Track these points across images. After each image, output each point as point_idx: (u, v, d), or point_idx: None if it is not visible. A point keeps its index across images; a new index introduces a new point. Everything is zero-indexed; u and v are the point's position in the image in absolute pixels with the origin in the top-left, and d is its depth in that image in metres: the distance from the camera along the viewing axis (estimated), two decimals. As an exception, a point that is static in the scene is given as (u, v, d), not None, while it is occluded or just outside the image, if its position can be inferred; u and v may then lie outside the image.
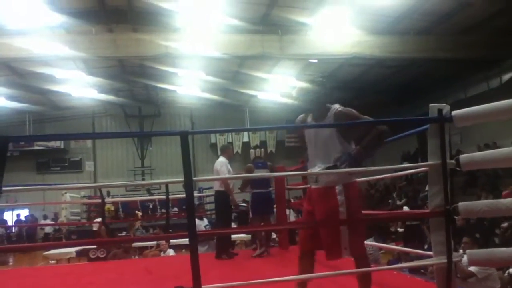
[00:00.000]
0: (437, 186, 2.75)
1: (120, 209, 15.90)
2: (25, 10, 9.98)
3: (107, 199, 9.25)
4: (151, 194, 16.91)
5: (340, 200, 2.95)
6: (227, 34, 11.43)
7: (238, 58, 13.16)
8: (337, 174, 2.96)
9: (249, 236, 8.52)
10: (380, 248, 7.71)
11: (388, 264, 7.85)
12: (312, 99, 3.21)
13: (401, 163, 16.50)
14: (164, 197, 7.68)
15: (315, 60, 13.34)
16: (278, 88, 16.68)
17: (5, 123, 18.48)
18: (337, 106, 3.11)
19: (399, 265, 5.34)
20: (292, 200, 8.87)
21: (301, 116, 3.35)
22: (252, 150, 6.64)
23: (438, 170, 2.73)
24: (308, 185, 6.49)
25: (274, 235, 7.66)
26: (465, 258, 2.76)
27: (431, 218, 2.86)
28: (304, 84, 13.26)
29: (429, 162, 2.79)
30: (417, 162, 16.18)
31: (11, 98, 16.69)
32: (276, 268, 5.16)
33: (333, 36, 11.37)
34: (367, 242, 5.89)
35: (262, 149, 6.82)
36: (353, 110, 3.10)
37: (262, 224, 6.16)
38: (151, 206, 16.85)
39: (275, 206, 8.10)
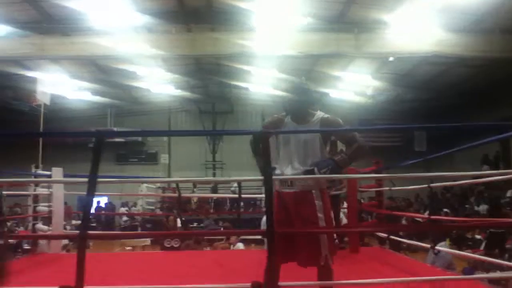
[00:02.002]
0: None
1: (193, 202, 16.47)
2: (112, 11, 10.59)
3: (185, 194, 9.63)
4: (216, 191, 17.25)
5: (318, 205, 2.92)
6: (302, 32, 11.42)
7: (312, 56, 13.13)
8: (314, 179, 2.95)
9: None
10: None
11: (463, 272, 7.51)
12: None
13: (481, 166, 15.66)
14: (234, 195, 7.98)
15: (392, 58, 13.00)
16: (352, 86, 16.42)
17: (89, 116, 19.81)
18: (321, 113, 3.14)
19: (480, 276, 5.10)
20: (362, 201, 8.74)
21: (276, 116, 3.24)
22: None
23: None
24: (382, 188, 6.41)
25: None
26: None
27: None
28: (379, 83, 13.08)
29: (517, 170, 2.67)
30: (497, 165, 15.31)
31: (95, 92, 17.79)
32: (345, 270, 5.12)
33: (412, 34, 11.00)
34: (438, 247, 5.72)
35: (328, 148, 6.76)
36: (339, 119, 3.15)
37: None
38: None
39: (344, 206, 8.04)
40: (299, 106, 3.12)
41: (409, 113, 18.44)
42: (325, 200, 3.00)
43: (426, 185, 5.05)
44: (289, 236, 2.93)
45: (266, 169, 2.62)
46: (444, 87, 15.72)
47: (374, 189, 6.64)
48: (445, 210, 13.59)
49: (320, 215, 2.93)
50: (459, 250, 9.51)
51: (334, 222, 6.53)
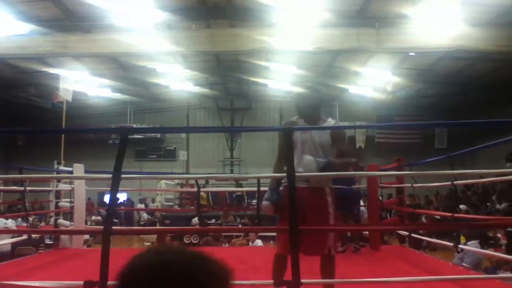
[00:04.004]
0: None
1: (210, 198, 16.49)
2: (133, 8, 10.67)
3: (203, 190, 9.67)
4: (240, 186, 17.30)
5: (329, 201, 3.08)
6: (322, 28, 11.32)
7: (331, 52, 13.02)
8: (327, 176, 3.11)
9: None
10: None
11: (485, 271, 7.38)
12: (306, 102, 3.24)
13: (505, 164, 15.34)
14: (253, 189, 8.01)
15: (413, 54, 12.81)
16: (371, 82, 16.25)
17: (109, 113, 20.08)
18: (332, 120, 3.32)
19: (505, 275, 5.00)
20: (380, 198, 8.62)
21: (290, 121, 3.40)
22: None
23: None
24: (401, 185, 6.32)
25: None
26: None
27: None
28: (399, 79, 12.82)
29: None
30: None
31: (116, 90, 18.00)
32: (366, 268, 5.07)
33: (434, 28, 10.79)
34: (468, 245, 5.64)
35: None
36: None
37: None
38: (234, 196, 17.13)
39: (364, 205, 7.95)
40: (314, 108, 3.25)
41: (430, 109, 18.19)
42: (333, 197, 3.17)
43: (449, 182, 4.96)
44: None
45: (290, 166, 2.61)
46: (467, 82, 15.45)
47: (395, 186, 6.56)
48: (461, 206, 13.36)
49: (330, 210, 3.09)
50: (481, 249, 9.34)
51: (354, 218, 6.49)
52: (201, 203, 14.09)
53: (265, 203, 3.12)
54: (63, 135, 7.81)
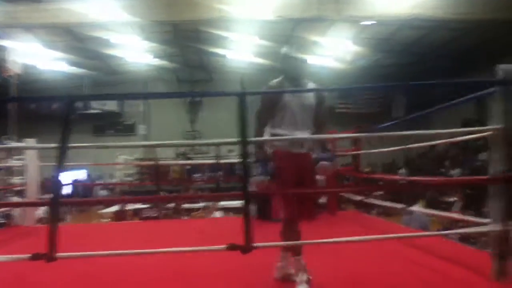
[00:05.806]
0: (498, 152, 2.66)
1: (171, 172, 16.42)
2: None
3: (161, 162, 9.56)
4: (189, 159, 17.18)
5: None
6: (282, -4, 11.21)
7: (292, 21, 12.90)
8: (313, 144, 3.18)
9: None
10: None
11: (437, 233, 7.70)
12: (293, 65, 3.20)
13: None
14: (212, 161, 7.94)
15: (369, 23, 12.86)
16: (332, 52, 16.30)
17: (64, 87, 19.28)
18: (312, 83, 3.27)
19: (449, 231, 5.24)
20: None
21: (276, 81, 3.31)
22: None
23: (501, 135, 2.64)
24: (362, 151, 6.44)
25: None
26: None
27: (490, 186, 2.79)
28: (359, 48, 12.87)
29: (491, 127, 2.70)
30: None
31: (70, 63, 17.34)
32: (323, 231, 5.19)
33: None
34: (413, 208, 5.83)
35: None
36: None
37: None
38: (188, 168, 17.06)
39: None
40: (300, 69, 3.22)
41: (389, 78, 18.48)
42: None
43: (402, 146, 5.09)
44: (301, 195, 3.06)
45: (242, 130, 2.57)
46: (426, 52, 15.71)
47: (351, 153, 6.69)
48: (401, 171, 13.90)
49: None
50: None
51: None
52: (174, 176, 14.02)
53: (261, 178, 2.94)
54: (13, 108, 7.51)
